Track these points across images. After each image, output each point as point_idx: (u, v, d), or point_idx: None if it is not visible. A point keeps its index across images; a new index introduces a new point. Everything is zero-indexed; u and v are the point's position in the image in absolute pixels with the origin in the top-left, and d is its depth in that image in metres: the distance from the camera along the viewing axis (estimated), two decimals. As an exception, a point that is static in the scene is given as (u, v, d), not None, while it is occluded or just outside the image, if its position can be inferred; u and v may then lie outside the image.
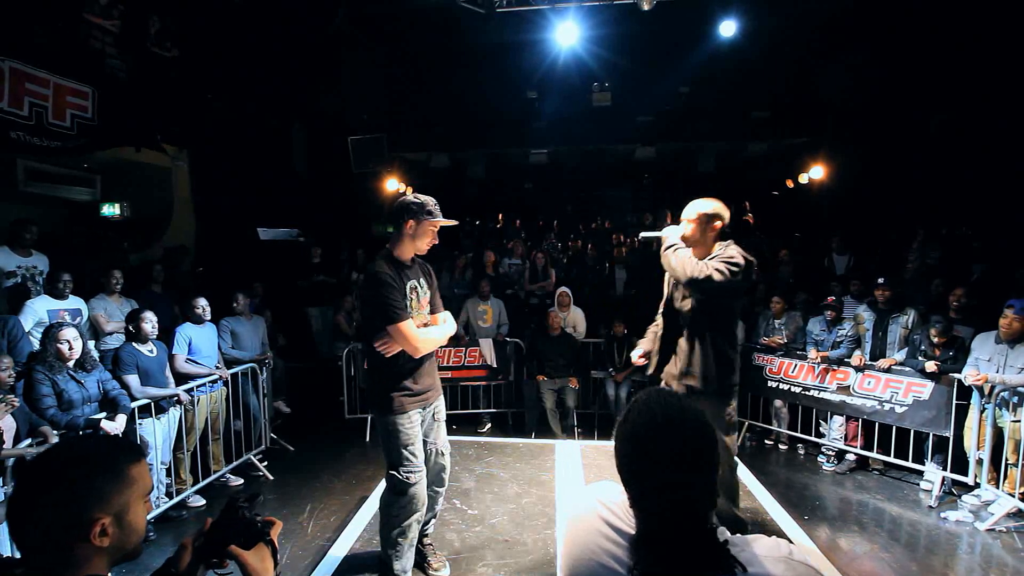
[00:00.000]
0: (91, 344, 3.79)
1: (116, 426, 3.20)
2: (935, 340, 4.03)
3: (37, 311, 3.76)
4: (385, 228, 11.95)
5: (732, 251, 2.48)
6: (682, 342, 2.63)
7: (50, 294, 3.90)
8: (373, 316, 2.39)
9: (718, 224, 2.55)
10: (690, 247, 2.59)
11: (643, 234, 2.95)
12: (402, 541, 2.49)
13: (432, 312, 2.59)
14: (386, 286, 2.36)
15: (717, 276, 2.38)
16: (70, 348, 3.15)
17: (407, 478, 2.44)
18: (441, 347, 2.64)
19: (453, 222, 2.55)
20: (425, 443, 2.59)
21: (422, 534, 2.74)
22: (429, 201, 2.47)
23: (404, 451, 2.44)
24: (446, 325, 2.60)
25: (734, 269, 2.40)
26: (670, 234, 2.59)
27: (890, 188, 8.77)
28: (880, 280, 4.55)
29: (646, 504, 0.89)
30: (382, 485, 3.35)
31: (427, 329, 2.50)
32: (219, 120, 7.26)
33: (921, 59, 8.08)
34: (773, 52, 9.39)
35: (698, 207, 2.57)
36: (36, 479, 0.91)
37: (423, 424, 2.56)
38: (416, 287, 2.49)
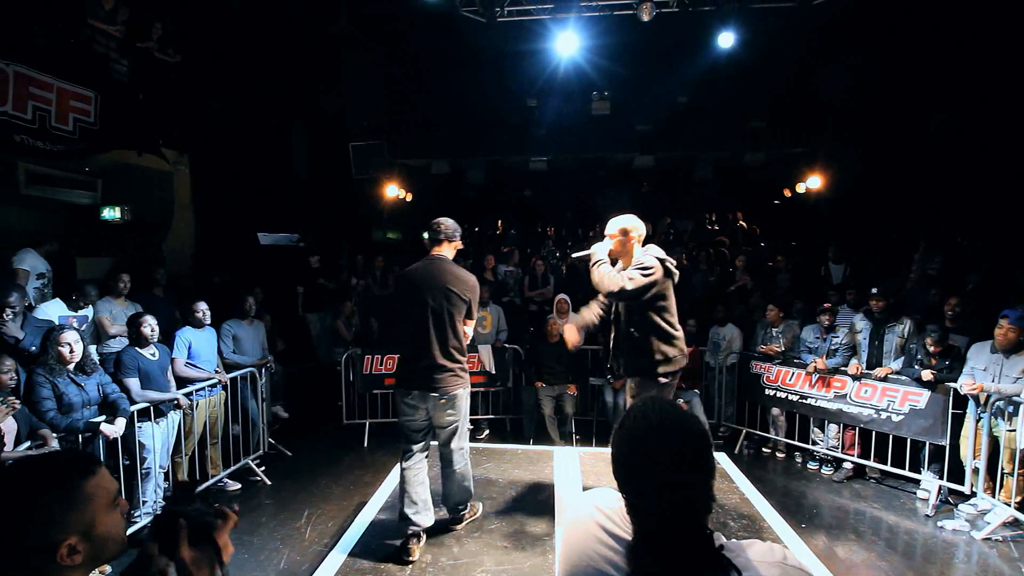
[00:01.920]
0: (92, 348, 3.81)
1: (115, 429, 3.21)
2: (931, 349, 4.06)
3: (49, 315, 3.79)
4: (385, 234, 11.96)
5: (645, 256, 2.88)
6: (618, 337, 3.10)
7: (66, 302, 3.95)
8: (472, 306, 3.03)
9: (634, 236, 2.97)
10: (616, 257, 3.02)
11: (574, 254, 3.30)
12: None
13: None
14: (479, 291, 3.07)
15: (629, 285, 2.78)
16: (71, 351, 3.15)
17: (468, 433, 3.17)
18: None
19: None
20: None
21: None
22: (452, 221, 3.13)
23: (467, 409, 3.12)
24: None
25: (646, 272, 2.80)
26: (598, 250, 2.96)
27: (890, 188, 8.80)
28: (874, 290, 4.58)
29: (645, 505, 0.90)
30: (381, 488, 3.44)
31: None
32: (220, 122, 7.29)
33: (921, 59, 8.12)
34: (772, 54, 9.45)
35: (617, 224, 2.99)
36: None
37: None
38: None
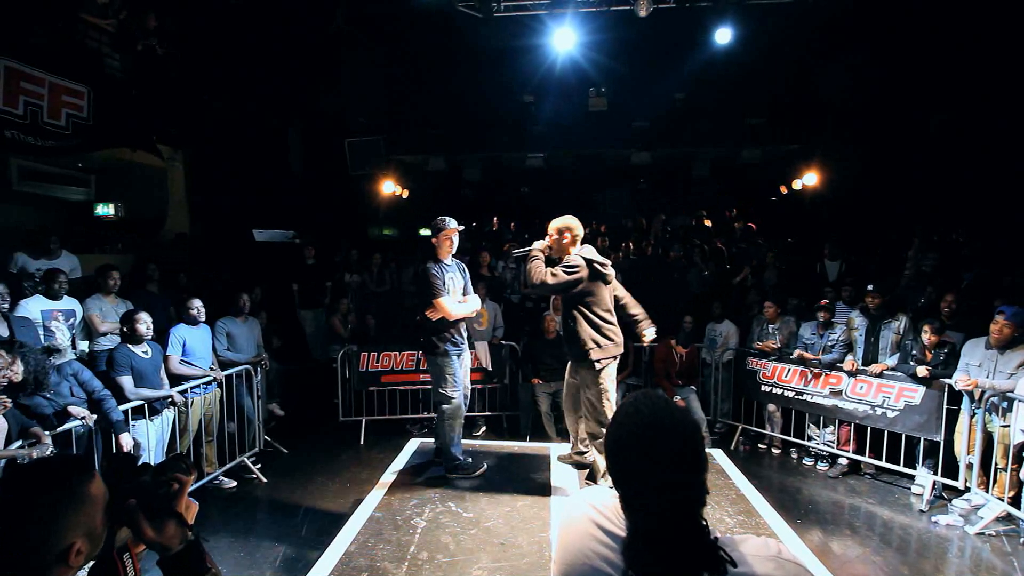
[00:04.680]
0: (53, 352, 3.68)
1: (82, 410, 3.13)
2: (929, 339, 4.05)
3: (30, 311, 3.74)
4: (381, 231, 11.94)
5: (574, 256, 3.26)
6: (560, 324, 3.60)
7: (45, 294, 3.89)
8: (426, 294, 3.60)
9: (568, 235, 3.32)
10: (553, 254, 3.38)
11: (515, 251, 3.64)
12: (453, 435, 3.68)
13: (464, 294, 3.80)
14: (432, 276, 3.57)
15: (551, 280, 3.19)
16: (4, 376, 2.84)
17: (450, 394, 3.66)
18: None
19: (456, 229, 3.64)
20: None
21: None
22: (444, 218, 3.65)
23: (447, 377, 3.65)
24: (471, 303, 3.80)
25: (572, 269, 3.19)
26: (536, 247, 3.36)
27: (890, 188, 8.80)
28: (869, 287, 4.60)
29: (644, 503, 0.89)
30: (378, 485, 3.66)
31: (459, 305, 3.68)
32: (218, 120, 7.25)
33: (921, 59, 8.12)
34: (771, 54, 9.42)
35: (555, 224, 3.36)
36: (3, 519, 0.90)
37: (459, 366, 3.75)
38: (452, 277, 3.72)
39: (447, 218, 3.65)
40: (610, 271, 3.33)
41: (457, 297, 3.74)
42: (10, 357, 2.86)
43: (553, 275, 3.20)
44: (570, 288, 3.23)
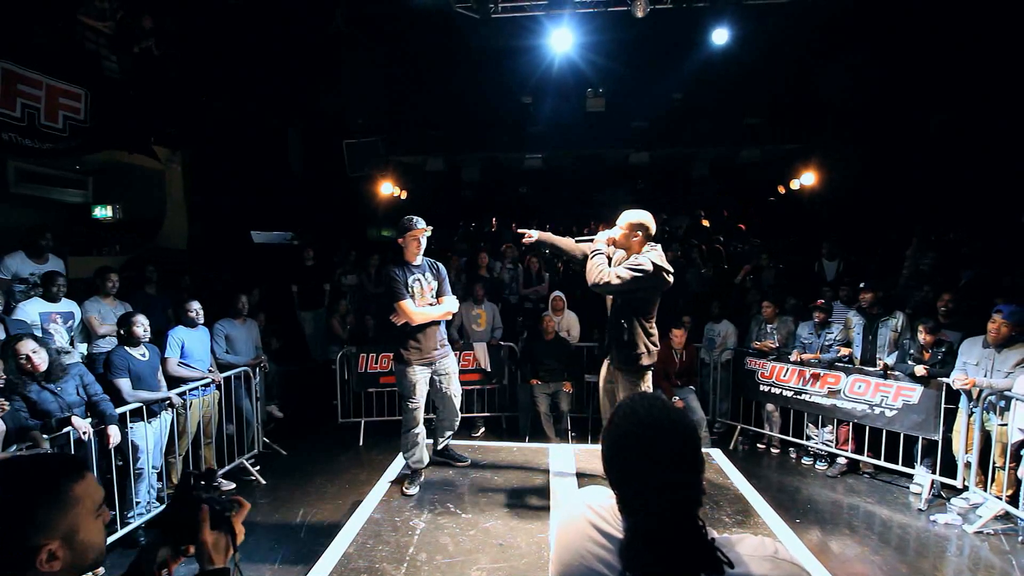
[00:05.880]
0: (64, 346, 3.71)
1: (85, 424, 3.12)
2: (924, 338, 4.06)
3: (29, 313, 3.74)
4: (380, 232, 11.96)
5: (643, 258, 2.93)
6: (607, 327, 3.27)
7: (44, 297, 3.88)
8: (387, 297, 3.44)
9: (640, 233, 3.04)
10: (619, 249, 3.10)
11: (578, 239, 3.41)
12: (409, 444, 3.55)
13: (440, 295, 3.52)
14: (392, 280, 3.38)
15: (616, 281, 2.88)
16: (28, 362, 2.97)
17: (408, 404, 3.51)
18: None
19: (424, 229, 3.40)
20: (440, 388, 3.59)
21: (442, 445, 3.83)
22: (411, 218, 3.41)
23: (406, 389, 3.47)
24: (443, 306, 3.49)
25: (638, 275, 2.87)
26: (600, 239, 3.09)
27: (890, 188, 8.82)
28: (862, 284, 4.61)
29: (642, 504, 0.90)
30: (377, 486, 3.67)
31: (423, 308, 3.42)
32: (218, 120, 7.24)
33: (921, 59, 8.14)
34: (771, 54, 9.44)
35: (628, 217, 3.06)
36: None
37: (435, 376, 3.54)
38: (419, 279, 3.43)
39: (414, 217, 3.45)
40: (670, 280, 3.04)
41: (428, 300, 3.50)
42: (38, 345, 3.01)
43: (618, 276, 2.91)
44: (631, 291, 2.99)
